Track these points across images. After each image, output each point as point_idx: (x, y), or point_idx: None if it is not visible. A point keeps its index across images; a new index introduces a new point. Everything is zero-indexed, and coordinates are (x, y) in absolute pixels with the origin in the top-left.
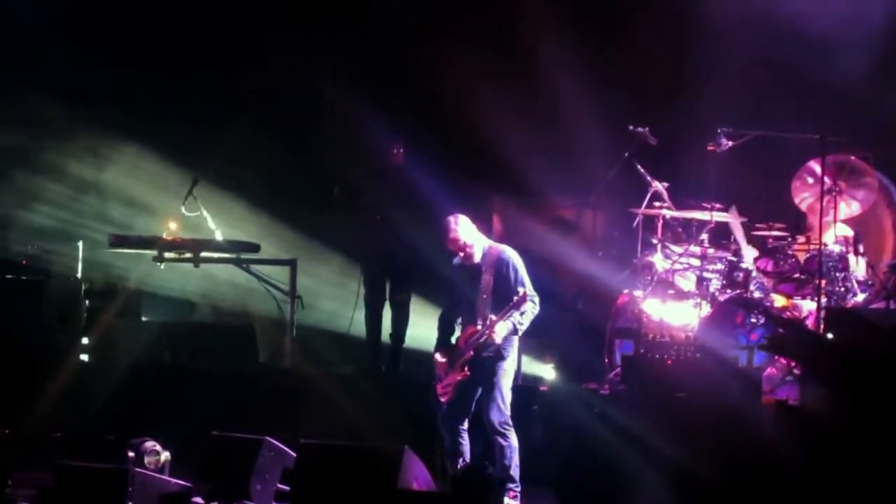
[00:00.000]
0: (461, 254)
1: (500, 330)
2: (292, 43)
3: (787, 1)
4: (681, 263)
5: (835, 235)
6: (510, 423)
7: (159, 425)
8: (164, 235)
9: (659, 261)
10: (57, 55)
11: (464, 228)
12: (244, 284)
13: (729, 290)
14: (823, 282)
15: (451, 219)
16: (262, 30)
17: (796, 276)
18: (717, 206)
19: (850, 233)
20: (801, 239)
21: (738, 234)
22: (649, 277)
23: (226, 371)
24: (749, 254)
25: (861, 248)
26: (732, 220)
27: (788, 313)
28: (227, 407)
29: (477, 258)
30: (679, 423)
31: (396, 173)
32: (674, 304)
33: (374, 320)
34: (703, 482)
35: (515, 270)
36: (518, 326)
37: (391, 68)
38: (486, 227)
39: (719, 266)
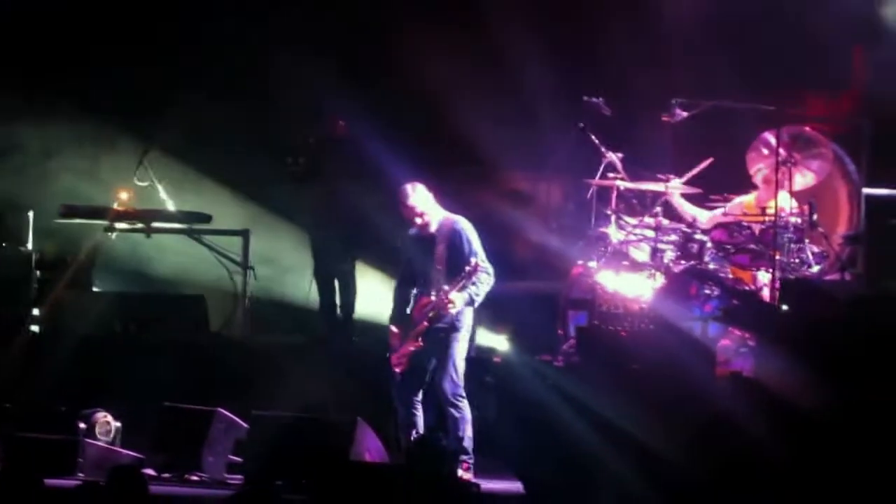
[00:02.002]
0: (417, 223)
1: (456, 300)
2: (244, 10)
3: None
4: (635, 235)
5: (789, 206)
6: (463, 394)
7: (111, 396)
8: (116, 206)
9: (613, 232)
10: (4, 19)
11: (420, 197)
12: (196, 255)
13: (683, 262)
14: (778, 253)
15: (408, 187)
16: None
17: (751, 247)
18: (672, 177)
19: (795, 204)
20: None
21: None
22: (603, 249)
23: (177, 342)
24: (701, 216)
25: (816, 218)
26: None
27: (743, 284)
28: (179, 378)
29: (433, 228)
30: (633, 395)
31: (342, 145)
32: (628, 275)
33: (325, 290)
34: (658, 453)
35: (469, 241)
36: (474, 297)
37: (341, 36)
38: (441, 198)
39: (673, 237)
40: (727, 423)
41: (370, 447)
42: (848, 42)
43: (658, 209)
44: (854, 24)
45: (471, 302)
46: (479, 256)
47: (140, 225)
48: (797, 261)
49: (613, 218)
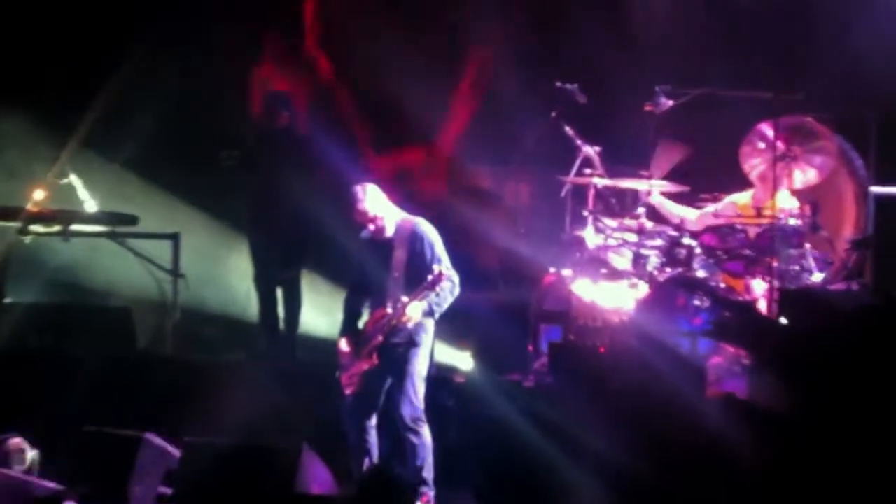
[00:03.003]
0: (371, 227)
1: (414, 312)
2: None
3: None
4: (615, 238)
5: (788, 206)
6: (423, 418)
7: (26, 420)
8: (29, 206)
9: (590, 236)
10: None
11: (372, 199)
12: (121, 261)
13: (669, 269)
14: (776, 260)
15: (359, 188)
16: None
17: (746, 252)
18: (656, 174)
19: (795, 205)
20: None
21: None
22: (579, 254)
23: (100, 359)
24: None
25: (818, 220)
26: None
27: (736, 295)
28: (102, 399)
29: (389, 232)
30: (613, 419)
31: (286, 137)
32: (607, 284)
33: (265, 302)
34: (640, 484)
35: (431, 246)
36: (434, 308)
37: (288, 21)
38: (395, 197)
39: (658, 242)
40: (718, 451)
41: (317, 477)
42: (850, 20)
43: (641, 210)
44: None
45: (430, 313)
46: (444, 263)
47: (57, 227)
48: (797, 268)
49: (590, 219)
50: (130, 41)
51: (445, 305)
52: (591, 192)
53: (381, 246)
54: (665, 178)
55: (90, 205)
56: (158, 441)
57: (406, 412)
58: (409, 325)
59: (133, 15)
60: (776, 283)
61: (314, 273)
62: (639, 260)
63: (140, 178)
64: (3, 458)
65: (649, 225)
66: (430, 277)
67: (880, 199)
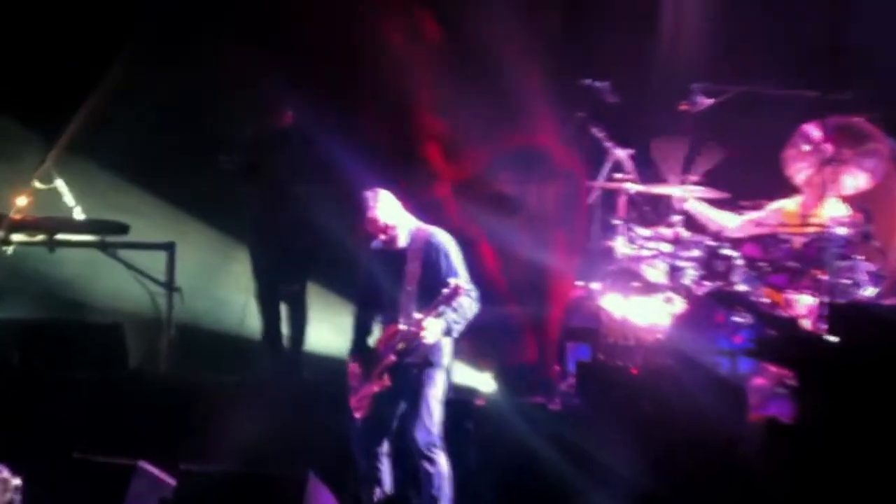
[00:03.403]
0: (382, 237)
1: (432, 329)
2: None
3: None
4: (648, 249)
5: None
6: (439, 444)
7: (8, 446)
8: (11, 213)
9: (621, 246)
10: None
11: (385, 206)
12: (111, 273)
13: (708, 282)
14: (824, 273)
15: (370, 194)
16: None
17: (790, 264)
18: (693, 178)
19: (845, 212)
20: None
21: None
22: (609, 266)
23: (89, 379)
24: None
25: (870, 230)
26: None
27: (781, 310)
28: (91, 423)
29: (402, 242)
30: (645, 446)
31: (289, 139)
32: (640, 299)
33: (268, 317)
34: None
35: (448, 257)
36: (453, 326)
37: (291, 17)
38: (410, 204)
39: (696, 252)
40: (760, 481)
41: None
42: None
43: (676, 218)
44: None
45: (449, 331)
46: (461, 277)
47: (42, 237)
48: (847, 281)
49: (621, 228)
50: (123, 39)
51: (464, 323)
52: (623, 199)
53: (393, 257)
54: (702, 183)
55: (78, 212)
56: (152, 469)
57: (421, 438)
58: (428, 342)
59: (126, 13)
60: (824, 298)
61: (321, 286)
62: (674, 272)
63: (132, 184)
64: None
65: (686, 234)
66: (445, 291)
67: None
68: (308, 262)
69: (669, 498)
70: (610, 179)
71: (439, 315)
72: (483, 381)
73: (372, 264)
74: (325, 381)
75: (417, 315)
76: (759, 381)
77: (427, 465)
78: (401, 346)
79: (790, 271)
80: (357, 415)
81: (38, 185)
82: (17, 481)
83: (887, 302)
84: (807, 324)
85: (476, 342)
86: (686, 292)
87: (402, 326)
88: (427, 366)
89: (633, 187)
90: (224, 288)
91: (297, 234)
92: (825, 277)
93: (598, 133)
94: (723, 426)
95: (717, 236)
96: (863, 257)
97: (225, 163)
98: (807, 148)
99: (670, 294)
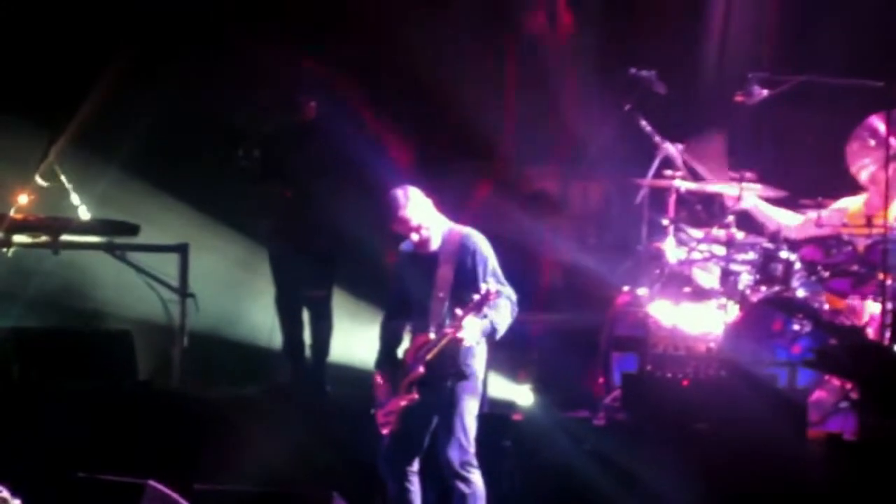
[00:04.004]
0: (414, 239)
1: (472, 329)
2: None
3: None
4: (700, 252)
5: None
6: (474, 462)
7: (8, 464)
8: (13, 213)
9: (671, 248)
10: None
11: (416, 206)
12: (119, 277)
13: (764, 288)
14: (890, 277)
15: (400, 193)
16: None
17: (853, 268)
18: (749, 175)
19: None
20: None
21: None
22: (658, 270)
23: (95, 392)
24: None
25: None
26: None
27: (843, 318)
28: (98, 439)
29: (434, 245)
30: (697, 464)
31: (312, 133)
32: (691, 305)
33: (290, 326)
34: None
35: (484, 261)
36: (496, 327)
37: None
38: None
39: (751, 255)
40: (821, 501)
41: None
42: None
43: (731, 218)
44: None
45: (492, 332)
46: (497, 280)
47: (45, 238)
48: None
49: (671, 229)
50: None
51: (506, 326)
52: (673, 198)
53: (424, 261)
54: (758, 180)
55: (83, 211)
56: (163, 489)
57: (454, 456)
58: (468, 342)
59: (142, 5)
60: (889, 305)
61: (346, 292)
62: (728, 277)
63: (142, 181)
64: None
65: (740, 236)
66: (475, 297)
67: None
68: (332, 266)
69: None
70: (659, 176)
71: (481, 316)
72: (521, 394)
73: (401, 268)
74: (350, 394)
75: (458, 312)
76: (819, 395)
77: (461, 486)
78: (430, 356)
79: (853, 276)
80: (384, 431)
81: (40, 182)
82: (17, 502)
83: None
84: (871, 332)
85: (513, 352)
86: (741, 298)
87: (431, 335)
88: (460, 378)
89: (684, 185)
90: (242, 294)
91: (320, 235)
92: (890, 282)
93: (646, 126)
94: (781, 444)
95: (774, 238)
96: None
97: (242, 159)
98: (872, 142)
99: (724, 300)
